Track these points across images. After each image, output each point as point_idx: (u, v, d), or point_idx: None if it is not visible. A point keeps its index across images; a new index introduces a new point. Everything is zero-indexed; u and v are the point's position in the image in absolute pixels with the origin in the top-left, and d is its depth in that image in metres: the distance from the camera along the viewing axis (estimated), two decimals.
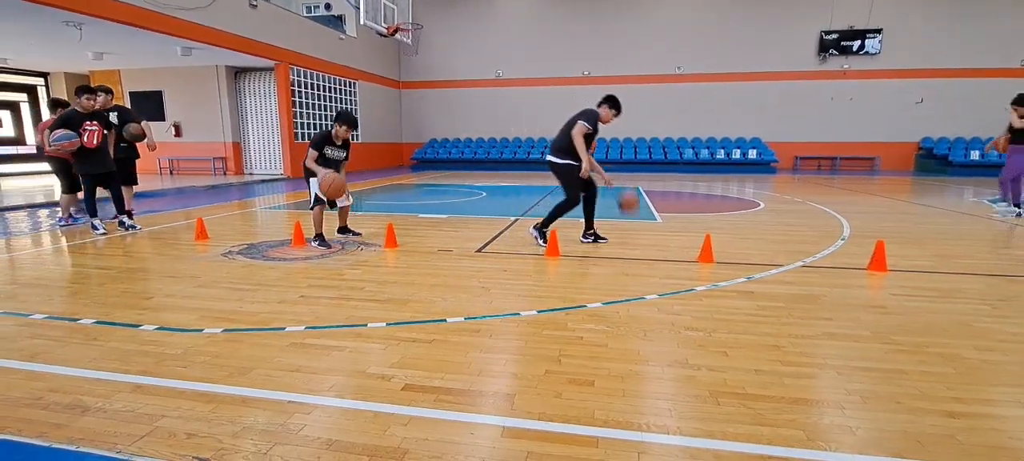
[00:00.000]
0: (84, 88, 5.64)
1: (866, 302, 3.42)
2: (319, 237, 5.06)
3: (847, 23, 17.65)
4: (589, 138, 4.77)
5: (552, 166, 5.04)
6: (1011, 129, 7.12)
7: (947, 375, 2.34)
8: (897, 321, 3.04)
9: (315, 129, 15.77)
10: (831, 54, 17.88)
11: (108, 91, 6.28)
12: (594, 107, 4.87)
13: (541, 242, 4.99)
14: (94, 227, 5.72)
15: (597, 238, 5.27)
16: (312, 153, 4.95)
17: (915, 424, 1.93)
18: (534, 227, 5.17)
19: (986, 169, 16.32)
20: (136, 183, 6.77)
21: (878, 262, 4.23)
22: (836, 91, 18.10)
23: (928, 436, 1.85)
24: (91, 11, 9.01)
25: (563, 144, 4.87)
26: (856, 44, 17.66)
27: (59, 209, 6.82)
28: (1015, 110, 7.04)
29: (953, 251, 5.00)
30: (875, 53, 17.64)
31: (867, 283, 3.89)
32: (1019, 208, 7.26)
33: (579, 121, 4.74)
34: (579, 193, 4.97)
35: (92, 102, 5.56)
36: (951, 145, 17.32)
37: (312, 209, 5.09)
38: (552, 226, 5.03)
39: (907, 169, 18.23)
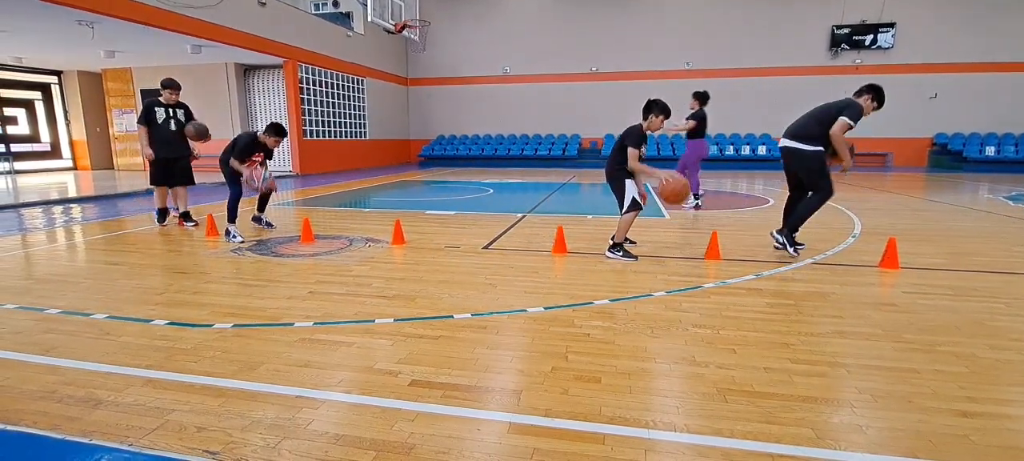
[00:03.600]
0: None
1: (877, 300, 3.38)
2: (618, 247, 4.45)
3: (859, 17, 17.39)
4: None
5: (794, 155, 4.40)
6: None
7: (960, 374, 2.30)
8: (909, 319, 3.00)
9: (322, 126, 15.83)
10: (843, 49, 17.63)
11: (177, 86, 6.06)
12: (854, 98, 4.30)
13: (793, 250, 4.43)
14: (233, 235, 5.35)
15: (793, 244, 4.53)
16: (633, 152, 4.23)
17: (927, 423, 1.90)
18: (778, 233, 4.59)
19: (1002, 165, 16.06)
20: (194, 182, 6.66)
21: (890, 259, 4.17)
22: (848, 86, 17.77)
23: (941, 436, 1.82)
24: (103, 10, 9.11)
25: (811, 131, 4.30)
26: (868, 38, 17.39)
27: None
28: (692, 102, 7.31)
29: (967, 248, 4.93)
30: (888, 48, 17.38)
31: (879, 280, 3.84)
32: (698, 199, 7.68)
33: (842, 117, 4.14)
34: (832, 183, 4.37)
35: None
36: (966, 141, 17.03)
37: (625, 213, 4.37)
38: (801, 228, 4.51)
39: (920, 165, 17.97)
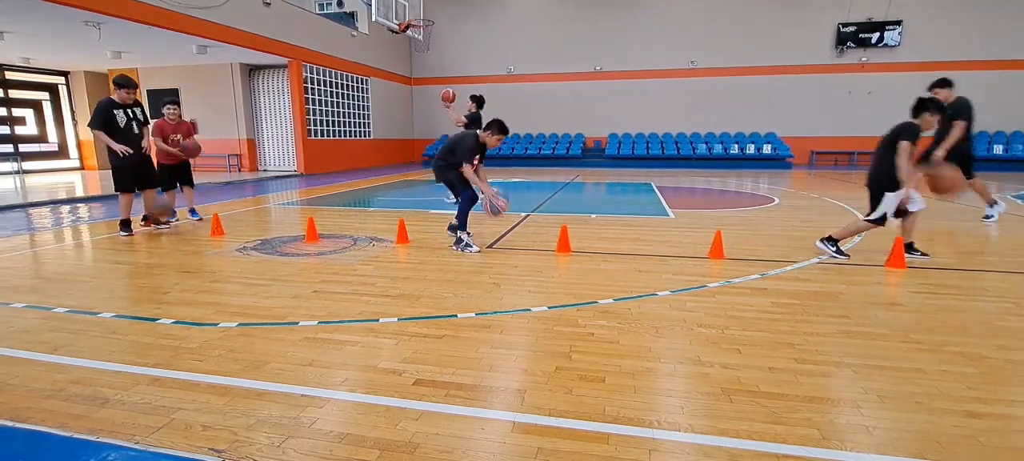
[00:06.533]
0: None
1: (884, 299, 3.36)
2: (833, 241, 4.44)
3: (866, 15, 17.27)
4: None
5: None
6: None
7: (968, 375, 2.29)
8: (916, 319, 2.98)
9: (326, 126, 15.87)
10: (849, 47, 17.52)
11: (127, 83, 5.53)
12: None
13: None
14: (468, 245, 4.83)
15: None
16: (906, 145, 4.00)
17: (934, 424, 1.89)
18: None
19: (1009, 164, 15.91)
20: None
21: (896, 259, 4.14)
22: (854, 84, 17.74)
23: (948, 437, 1.81)
24: (110, 11, 9.17)
25: None
26: (875, 36, 17.27)
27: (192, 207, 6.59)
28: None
29: (975, 247, 4.89)
30: (894, 45, 17.25)
31: (885, 280, 3.82)
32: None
33: None
34: None
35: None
36: (973, 139, 16.88)
37: (867, 219, 4.30)
38: None
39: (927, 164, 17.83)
